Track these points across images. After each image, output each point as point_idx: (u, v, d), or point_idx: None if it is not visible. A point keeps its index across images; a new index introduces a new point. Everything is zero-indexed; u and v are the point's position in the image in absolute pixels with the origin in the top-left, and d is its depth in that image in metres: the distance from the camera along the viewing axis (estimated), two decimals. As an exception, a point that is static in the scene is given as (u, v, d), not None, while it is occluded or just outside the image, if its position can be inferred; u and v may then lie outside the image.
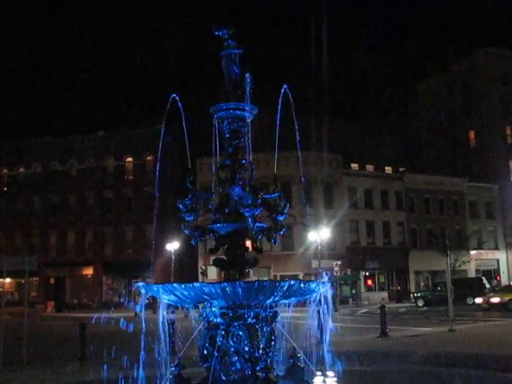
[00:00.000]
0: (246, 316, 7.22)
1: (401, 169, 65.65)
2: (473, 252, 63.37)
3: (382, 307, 21.53)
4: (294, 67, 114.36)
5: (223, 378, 7.17)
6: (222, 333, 7.22)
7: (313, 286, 7.25)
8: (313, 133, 51.42)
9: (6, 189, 66.74)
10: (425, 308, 43.56)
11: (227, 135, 7.91)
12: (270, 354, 7.40)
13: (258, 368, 7.08)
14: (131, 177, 60.57)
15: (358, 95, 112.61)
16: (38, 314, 49.80)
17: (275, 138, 8.22)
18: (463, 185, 65.44)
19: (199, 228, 7.72)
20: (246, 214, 7.44)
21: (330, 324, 7.81)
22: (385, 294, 58.63)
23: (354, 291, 56.71)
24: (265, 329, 7.39)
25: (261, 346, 7.24)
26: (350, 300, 55.06)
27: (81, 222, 61.80)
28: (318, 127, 55.90)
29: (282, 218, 7.85)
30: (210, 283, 6.91)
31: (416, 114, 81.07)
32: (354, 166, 63.20)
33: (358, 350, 16.55)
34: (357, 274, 57.77)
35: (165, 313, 7.62)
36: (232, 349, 7.16)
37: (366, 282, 59.56)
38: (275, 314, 7.50)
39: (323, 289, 7.50)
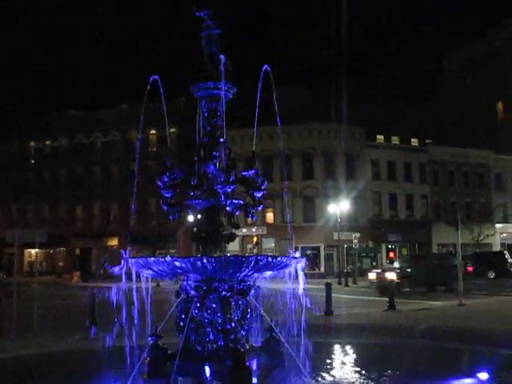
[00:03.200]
0: (220, 289, 7.48)
1: (427, 141, 65.03)
2: (498, 225, 62.86)
3: (390, 281, 21.70)
4: (315, 37, 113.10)
5: (198, 348, 7.48)
6: (197, 305, 7.50)
7: (283, 260, 7.46)
8: (332, 104, 51.10)
9: (33, 162, 68.13)
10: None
11: (206, 114, 8.11)
12: (246, 326, 7.65)
13: (230, 339, 7.36)
14: (155, 149, 61.10)
15: (384, 65, 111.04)
16: (64, 283, 51.15)
17: (255, 115, 8.35)
18: (489, 157, 64.65)
19: (177, 204, 8.00)
20: (219, 191, 7.69)
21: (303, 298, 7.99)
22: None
23: (374, 263, 56.83)
24: (240, 302, 7.64)
25: (235, 319, 7.50)
26: (372, 272, 55.12)
27: (105, 193, 63.03)
28: (339, 99, 55.63)
29: (259, 195, 8.03)
30: (180, 258, 7.19)
31: (443, 84, 79.85)
32: (380, 137, 62.88)
33: (362, 323, 16.86)
34: (378, 246, 57.82)
35: (144, 285, 7.87)
36: (206, 320, 7.44)
37: (388, 255, 59.60)
38: (249, 288, 7.73)
39: (295, 263, 7.70)
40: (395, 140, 63.62)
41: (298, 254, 7.92)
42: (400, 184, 60.53)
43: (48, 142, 67.93)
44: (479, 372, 9.08)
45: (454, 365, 10.41)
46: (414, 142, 64.78)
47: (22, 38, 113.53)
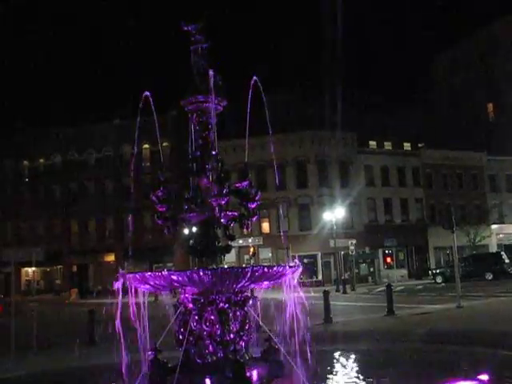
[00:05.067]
0: (217, 301, 7.51)
1: (419, 144, 65.33)
2: (494, 226, 63.02)
3: (388, 286, 21.74)
4: (306, 42, 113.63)
5: (198, 360, 7.50)
6: (196, 317, 7.53)
7: (279, 270, 7.48)
8: (324, 111, 51.16)
9: (27, 180, 68.06)
10: (443, 284, 43.46)
11: (197, 127, 8.18)
12: (244, 337, 7.68)
13: (229, 351, 7.38)
14: (148, 163, 61.13)
15: (374, 71, 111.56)
16: (62, 300, 50.99)
17: (246, 127, 8.43)
18: (482, 159, 64.91)
19: (172, 218, 8.04)
20: (213, 204, 7.73)
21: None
22: (404, 272, 58.69)
23: (371, 269, 56.87)
24: (238, 313, 7.66)
25: (234, 330, 7.53)
26: (370, 278, 55.21)
27: (100, 209, 62.98)
28: (332, 106, 55.81)
29: (253, 206, 8.08)
30: (177, 271, 7.22)
31: (432, 87, 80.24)
32: (372, 143, 63.12)
33: (361, 329, 16.87)
34: (375, 251, 57.81)
35: (144, 299, 7.92)
36: (205, 333, 7.47)
37: (385, 260, 59.63)
38: (247, 299, 7.76)
39: (291, 272, 7.72)
40: (388, 145, 63.89)
41: (294, 263, 7.91)
42: (394, 189, 60.65)
43: (41, 160, 67.88)
44: (480, 374, 9.11)
45: (455, 367, 10.43)
46: (407, 146, 65.07)
47: (12, 53, 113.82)
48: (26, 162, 68.65)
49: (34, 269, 62.61)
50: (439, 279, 46.48)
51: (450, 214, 23.99)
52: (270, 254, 56.01)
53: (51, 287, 65.44)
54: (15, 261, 16.97)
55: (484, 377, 9.03)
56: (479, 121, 71.38)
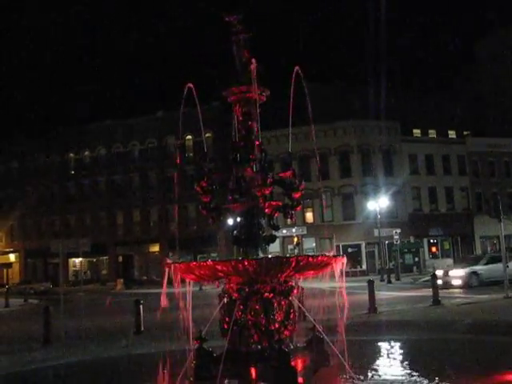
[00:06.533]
0: (262, 291, 7.52)
1: (464, 132, 64.13)
2: (543, 215, 61.33)
3: (433, 275, 21.43)
4: (349, 34, 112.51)
5: (243, 350, 7.53)
6: (241, 307, 7.55)
7: (323, 259, 7.45)
8: (367, 100, 50.62)
9: (73, 172, 69.45)
10: (490, 274, 42.47)
11: (240, 118, 8.19)
12: (289, 326, 7.68)
13: (274, 340, 7.39)
14: (191, 154, 61.60)
15: (417, 58, 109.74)
16: (108, 291, 51.92)
17: (289, 117, 8.37)
18: (530, 145, 63.22)
19: (216, 209, 8.09)
20: (257, 194, 7.75)
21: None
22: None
23: (416, 259, 56.14)
24: (282, 302, 7.66)
25: (278, 319, 7.53)
26: (414, 268, 54.56)
27: (145, 200, 63.89)
28: (375, 95, 55.20)
29: (297, 195, 8.06)
30: (222, 261, 7.27)
31: (476, 72, 78.48)
32: (416, 131, 62.32)
33: (406, 319, 16.73)
34: (420, 241, 57.13)
35: (189, 288, 7.97)
36: (250, 322, 7.49)
37: (430, 249, 58.89)
38: (291, 288, 7.75)
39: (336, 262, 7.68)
40: (432, 133, 62.94)
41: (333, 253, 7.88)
42: (439, 177, 59.73)
43: (87, 153, 69.23)
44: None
45: (503, 359, 10.24)
46: (452, 134, 63.95)
47: (58, 49, 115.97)
48: (71, 155, 70.07)
49: (80, 259, 64.02)
50: (486, 269, 45.37)
51: (497, 202, 23.45)
52: (314, 244, 55.95)
53: (97, 277, 66.82)
54: (64, 252, 17.35)
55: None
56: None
